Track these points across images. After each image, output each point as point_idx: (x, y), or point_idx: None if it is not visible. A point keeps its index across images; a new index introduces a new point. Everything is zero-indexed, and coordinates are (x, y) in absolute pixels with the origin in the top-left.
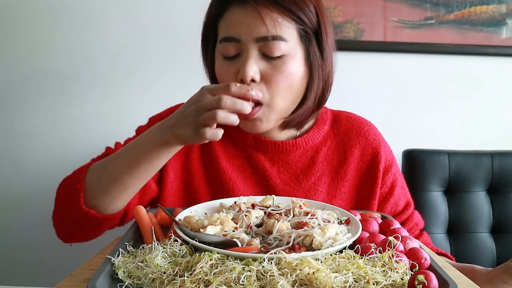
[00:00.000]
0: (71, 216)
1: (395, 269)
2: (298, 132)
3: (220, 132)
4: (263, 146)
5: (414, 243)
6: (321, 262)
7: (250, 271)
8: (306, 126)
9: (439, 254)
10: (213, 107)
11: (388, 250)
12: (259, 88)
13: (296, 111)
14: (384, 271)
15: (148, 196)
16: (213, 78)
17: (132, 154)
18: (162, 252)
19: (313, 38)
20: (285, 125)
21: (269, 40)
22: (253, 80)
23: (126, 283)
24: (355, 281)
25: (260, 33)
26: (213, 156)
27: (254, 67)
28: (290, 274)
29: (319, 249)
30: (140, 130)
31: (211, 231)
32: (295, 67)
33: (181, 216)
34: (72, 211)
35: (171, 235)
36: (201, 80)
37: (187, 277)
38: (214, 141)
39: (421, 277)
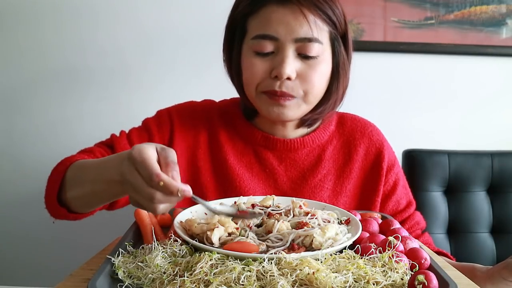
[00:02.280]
0: (50, 206)
1: (395, 269)
2: (307, 130)
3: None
4: (272, 144)
5: (414, 243)
6: (321, 262)
7: (250, 271)
8: (313, 126)
9: (439, 253)
10: (133, 188)
11: (388, 250)
12: (294, 85)
13: (317, 109)
14: (384, 271)
15: None
16: (237, 73)
17: (95, 178)
18: (162, 252)
19: (341, 41)
20: (302, 122)
21: (308, 41)
22: (288, 78)
23: (126, 283)
24: (355, 281)
25: (301, 34)
26: (221, 152)
27: (291, 66)
28: (290, 274)
29: (319, 249)
30: (147, 122)
31: (217, 233)
32: (325, 68)
33: (180, 217)
34: (50, 203)
35: (171, 235)
36: (202, 80)
37: (187, 277)
38: (222, 138)
39: (421, 277)
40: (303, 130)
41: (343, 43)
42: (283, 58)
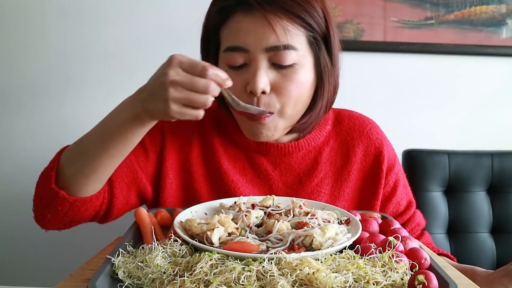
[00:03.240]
0: (44, 197)
1: (395, 269)
2: (301, 134)
3: (196, 112)
4: (265, 149)
5: (414, 243)
6: (321, 262)
7: (250, 271)
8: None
9: (440, 255)
10: (184, 86)
11: (388, 250)
12: (269, 99)
13: (304, 117)
14: (384, 271)
15: (137, 188)
16: None
17: (105, 129)
18: (162, 252)
19: (322, 44)
20: (290, 131)
21: (279, 49)
22: (263, 92)
23: (126, 283)
24: (355, 281)
25: (270, 43)
26: (215, 156)
27: (264, 79)
28: (290, 274)
29: (319, 249)
30: None
31: (217, 234)
32: (305, 76)
33: (180, 217)
34: (45, 191)
35: (171, 235)
36: None
37: (187, 277)
38: (216, 142)
39: (421, 277)
40: (297, 134)
41: (325, 46)
42: (254, 71)
